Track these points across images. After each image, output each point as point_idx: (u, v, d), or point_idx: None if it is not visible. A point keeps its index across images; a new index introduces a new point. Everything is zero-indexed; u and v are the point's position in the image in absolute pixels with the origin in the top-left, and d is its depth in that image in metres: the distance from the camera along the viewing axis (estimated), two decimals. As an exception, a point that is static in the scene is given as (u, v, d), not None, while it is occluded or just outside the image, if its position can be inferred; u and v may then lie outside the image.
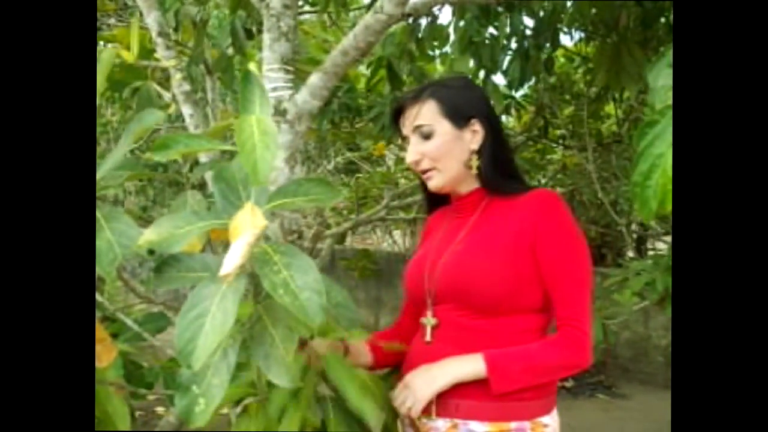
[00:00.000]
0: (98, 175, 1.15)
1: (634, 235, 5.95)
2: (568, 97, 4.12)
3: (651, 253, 6.21)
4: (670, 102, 1.20)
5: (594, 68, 2.68)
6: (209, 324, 0.94)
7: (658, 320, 5.32)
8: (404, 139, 1.55)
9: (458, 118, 1.47)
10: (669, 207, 1.19)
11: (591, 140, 4.16)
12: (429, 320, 1.47)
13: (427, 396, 1.36)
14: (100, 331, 1.31)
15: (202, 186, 4.70)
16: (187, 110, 2.26)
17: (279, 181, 1.76)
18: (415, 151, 1.48)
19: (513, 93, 3.89)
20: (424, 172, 1.49)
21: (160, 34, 2.26)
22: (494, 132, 1.50)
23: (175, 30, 2.74)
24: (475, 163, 1.48)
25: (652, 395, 5.11)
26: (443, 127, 1.46)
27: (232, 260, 0.92)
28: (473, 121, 1.47)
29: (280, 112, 1.77)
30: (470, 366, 1.37)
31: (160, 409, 4.32)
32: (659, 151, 1.21)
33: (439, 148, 1.46)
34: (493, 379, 1.35)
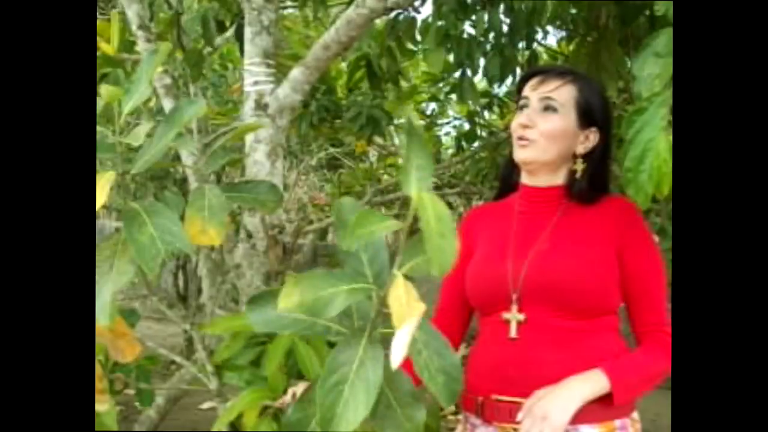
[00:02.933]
0: (137, 167, 1.15)
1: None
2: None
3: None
4: (656, 90, 1.21)
5: (573, 66, 2.69)
6: (348, 392, 0.94)
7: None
8: (520, 100, 1.52)
9: (585, 117, 1.47)
10: (666, 189, 1.20)
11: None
12: (515, 316, 1.44)
13: (564, 424, 1.31)
14: (123, 326, 1.31)
15: (184, 180, 4.69)
16: (167, 103, 2.25)
17: (260, 176, 1.76)
18: (531, 117, 1.46)
19: (495, 90, 3.90)
20: (522, 139, 1.47)
21: (141, 26, 2.25)
22: (606, 148, 1.51)
23: (150, 20, 2.73)
24: (580, 167, 1.48)
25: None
26: (569, 115, 1.46)
27: (400, 351, 0.88)
28: (594, 128, 1.49)
29: (261, 107, 1.77)
30: (596, 384, 1.35)
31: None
32: (649, 136, 1.22)
33: (555, 129, 1.45)
34: (617, 392, 1.35)
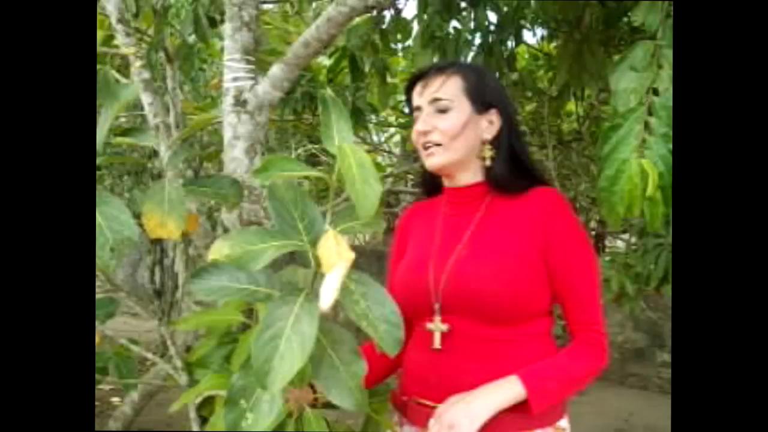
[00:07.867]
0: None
1: (593, 233, 6.02)
2: (529, 94, 4.14)
3: (609, 250, 6.29)
4: (632, 105, 1.22)
5: (556, 66, 2.70)
6: (284, 346, 0.93)
7: (614, 317, 5.38)
8: (414, 110, 1.48)
9: (479, 102, 1.42)
10: (636, 212, 1.21)
11: (552, 138, 4.20)
12: (438, 326, 1.39)
13: None
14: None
15: (160, 176, 4.64)
16: (146, 98, 2.22)
17: (238, 172, 1.74)
18: (428, 122, 1.42)
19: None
20: (427, 147, 1.42)
21: (120, 20, 2.21)
22: (510, 126, 1.45)
23: (135, 16, 2.70)
24: (488, 153, 1.43)
25: (608, 391, 5.18)
26: (463, 106, 1.41)
27: (329, 294, 0.92)
28: (492, 110, 1.44)
29: (240, 103, 1.75)
30: (510, 393, 1.29)
31: (115, 399, 4.27)
32: (623, 156, 1.23)
33: (455, 125, 1.40)
34: (533, 400, 1.29)
